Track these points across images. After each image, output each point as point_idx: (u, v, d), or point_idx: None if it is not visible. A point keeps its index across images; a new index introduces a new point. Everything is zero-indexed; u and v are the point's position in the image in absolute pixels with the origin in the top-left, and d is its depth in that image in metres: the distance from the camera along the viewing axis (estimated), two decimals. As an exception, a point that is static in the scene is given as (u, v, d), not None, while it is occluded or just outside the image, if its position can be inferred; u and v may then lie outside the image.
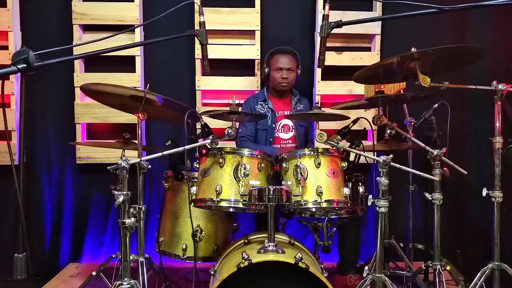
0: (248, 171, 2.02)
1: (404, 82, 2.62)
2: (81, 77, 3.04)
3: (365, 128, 2.23)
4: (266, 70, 2.86)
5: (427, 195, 2.22)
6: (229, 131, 2.04)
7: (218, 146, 2.08)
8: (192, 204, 2.12)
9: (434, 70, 2.02)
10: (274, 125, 2.86)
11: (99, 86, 2.14)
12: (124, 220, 1.70)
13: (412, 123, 2.74)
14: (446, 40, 3.16)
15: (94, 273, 2.40)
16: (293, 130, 2.88)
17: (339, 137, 2.12)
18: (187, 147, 1.97)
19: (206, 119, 2.18)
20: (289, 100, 2.92)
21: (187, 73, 3.14)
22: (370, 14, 3.11)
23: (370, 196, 1.93)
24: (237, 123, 2.75)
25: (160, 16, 1.74)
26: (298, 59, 2.86)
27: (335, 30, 1.66)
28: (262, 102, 2.88)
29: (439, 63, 2.01)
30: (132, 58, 3.06)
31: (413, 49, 1.95)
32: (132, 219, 1.72)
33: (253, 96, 2.95)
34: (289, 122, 2.89)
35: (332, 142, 2.06)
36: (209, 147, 2.06)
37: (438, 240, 2.22)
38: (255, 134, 2.86)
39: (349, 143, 2.24)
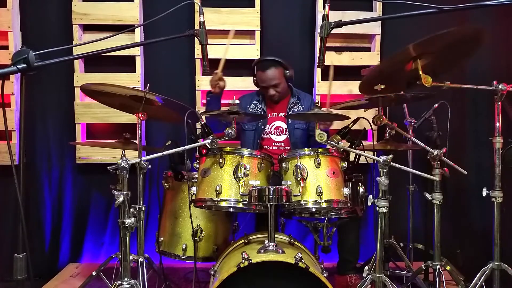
0: (248, 171, 2.02)
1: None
2: (81, 77, 3.05)
3: (365, 128, 2.23)
4: (254, 79, 2.81)
5: (427, 195, 2.22)
6: (229, 131, 2.04)
7: (218, 146, 2.08)
8: (192, 204, 2.12)
9: (435, 68, 2.02)
10: (263, 126, 2.82)
11: (99, 86, 2.14)
12: (124, 220, 1.70)
13: (412, 123, 2.74)
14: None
15: (94, 273, 2.40)
16: (287, 132, 2.84)
17: (339, 137, 2.12)
18: (187, 147, 1.97)
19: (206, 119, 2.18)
20: (286, 102, 2.88)
21: (187, 73, 3.14)
22: (370, 14, 3.11)
23: (370, 196, 1.93)
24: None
25: (160, 16, 1.74)
26: (283, 65, 2.72)
27: (335, 30, 1.66)
28: (256, 102, 2.87)
29: (440, 58, 2.00)
30: (132, 58, 3.06)
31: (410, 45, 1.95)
32: (132, 219, 1.72)
33: (248, 95, 2.93)
34: (282, 124, 2.84)
35: (332, 142, 2.06)
36: (209, 147, 2.06)
37: (438, 240, 2.22)
38: (241, 134, 2.84)
39: (349, 143, 2.24)
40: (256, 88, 3.08)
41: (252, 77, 2.81)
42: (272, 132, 2.84)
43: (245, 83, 3.13)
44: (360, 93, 3.00)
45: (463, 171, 2.16)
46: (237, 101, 2.13)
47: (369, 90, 2.14)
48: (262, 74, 2.72)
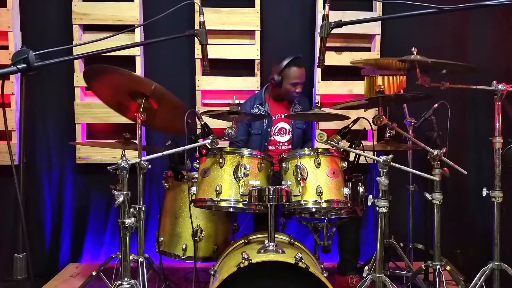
0: (248, 171, 2.02)
1: (404, 81, 2.62)
2: (81, 77, 3.04)
3: (365, 128, 2.23)
4: (277, 78, 2.75)
5: (427, 195, 2.22)
6: (229, 131, 2.04)
7: (218, 146, 2.08)
8: (192, 204, 2.12)
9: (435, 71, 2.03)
10: (269, 129, 2.83)
11: (103, 67, 2.12)
12: (124, 220, 1.70)
13: (412, 123, 2.74)
14: (446, 40, 3.17)
15: (94, 273, 2.40)
16: (290, 133, 2.87)
17: (339, 137, 2.12)
18: (187, 147, 1.97)
19: (206, 119, 2.18)
20: (287, 103, 2.91)
21: (187, 73, 3.14)
22: (370, 14, 3.11)
23: (370, 196, 1.93)
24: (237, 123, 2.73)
25: (160, 16, 1.74)
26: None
27: (335, 30, 1.66)
28: (259, 105, 2.87)
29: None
30: (132, 58, 3.05)
31: (413, 49, 1.95)
32: (132, 219, 1.72)
33: (250, 100, 2.92)
34: (286, 125, 2.87)
35: (332, 142, 2.06)
36: (209, 147, 2.06)
37: (438, 240, 2.22)
38: (248, 139, 2.85)
39: (349, 143, 2.24)
40: (256, 89, 3.08)
41: (253, 76, 2.81)
42: (276, 134, 2.85)
43: (245, 83, 3.13)
44: (360, 93, 3.05)
45: (463, 171, 2.16)
46: (237, 101, 2.13)
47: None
48: (299, 70, 2.78)
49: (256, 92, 3.03)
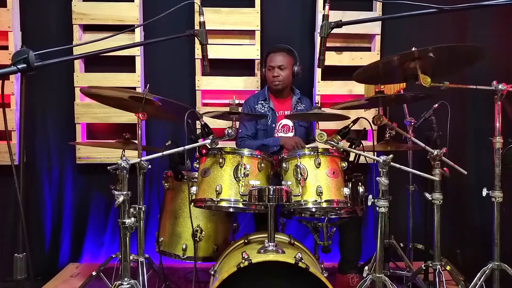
0: (248, 171, 2.02)
1: (404, 82, 2.63)
2: (81, 77, 3.05)
3: (365, 128, 2.23)
4: (263, 70, 2.89)
5: (427, 195, 2.22)
6: (229, 131, 2.04)
7: (218, 146, 2.08)
8: (192, 204, 2.12)
9: (434, 71, 2.02)
10: (274, 125, 2.85)
11: (98, 90, 2.13)
12: (124, 220, 1.70)
13: (412, 123, 2.74)
14: (446, 41, 3.15)
15: (94, 273, 2.40)
16: (293, 130, 2.88)
17: (339, 137, 2.12)
18: (187, 147, 1.97)
19: (206, 119, 2.18)
20: (289, 100, 2.92)
21: (187, 73, 3.14)
22: (370, 14, 3.11)
23: (370, 196, 1.93)
24: (237, 123, 2.74)
25: (160, 16, 1.74)
26: (294, 56, 2.85)
27: (335, 30, 1.66)
28: (262, 102, 2.88)
29: (439, 64, 2.01)
30: (132, 58, 3.06)
31: (413, 49, 1.95)
32: (132, 219, 1.72)
33: (254, 96, 2.95)
34: (289, 122, 2.88)
35: (332, 142, 2.06)
36: (209, 147, 2.06)
37: (438, 240, 2.22)
38: (256, 135, 2.86)
39: (349, 143, 2.24)
40: (256, 89, 3.09)
41: (253, 76, 2.82)
42: (280, 130, 2.86)
43: (245, 83, 3.14)
44: (360, 93, 3.05)
45: (463, 171, 2.16)
46: (237, 101, 2.13)
47: (365, 80, 2.23)
48: (274, 54, 2.83)
49: (257, 91, 3.04)
